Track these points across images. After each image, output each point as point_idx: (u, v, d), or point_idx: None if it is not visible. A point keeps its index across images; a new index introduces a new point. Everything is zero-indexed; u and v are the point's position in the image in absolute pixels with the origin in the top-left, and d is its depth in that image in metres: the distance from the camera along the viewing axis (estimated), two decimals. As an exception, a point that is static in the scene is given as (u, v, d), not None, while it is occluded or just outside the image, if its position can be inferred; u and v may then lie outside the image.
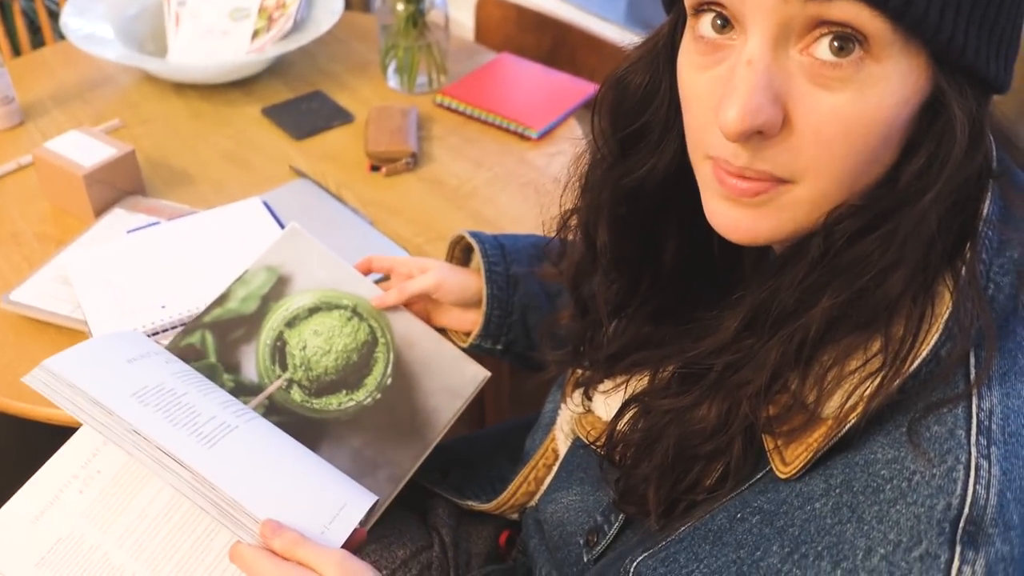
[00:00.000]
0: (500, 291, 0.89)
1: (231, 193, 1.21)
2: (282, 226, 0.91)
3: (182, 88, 1.44)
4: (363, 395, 0.85)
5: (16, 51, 1.87)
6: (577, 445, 0.76)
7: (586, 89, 1.41)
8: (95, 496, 0.70)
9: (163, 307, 0.98)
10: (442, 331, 0.92)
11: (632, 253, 0.66)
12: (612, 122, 0.63)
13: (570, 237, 0.73)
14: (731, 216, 0.52)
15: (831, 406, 0.51)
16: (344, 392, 0.85)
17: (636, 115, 0.62)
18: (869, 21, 0.44)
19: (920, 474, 0.46)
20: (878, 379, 0.49)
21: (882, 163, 0.50)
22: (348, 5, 1.61)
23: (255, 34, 1.45)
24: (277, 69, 1.49)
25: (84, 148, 1.14)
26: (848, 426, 0.49)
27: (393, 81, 1.45)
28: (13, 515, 0.70)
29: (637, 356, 0.66)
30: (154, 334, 0.95)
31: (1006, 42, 0.48)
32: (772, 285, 0.54)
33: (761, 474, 0.55)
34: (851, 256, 0.50)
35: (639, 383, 0.65)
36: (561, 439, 0.79)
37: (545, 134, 1.34)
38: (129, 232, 1.09)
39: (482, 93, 1.40)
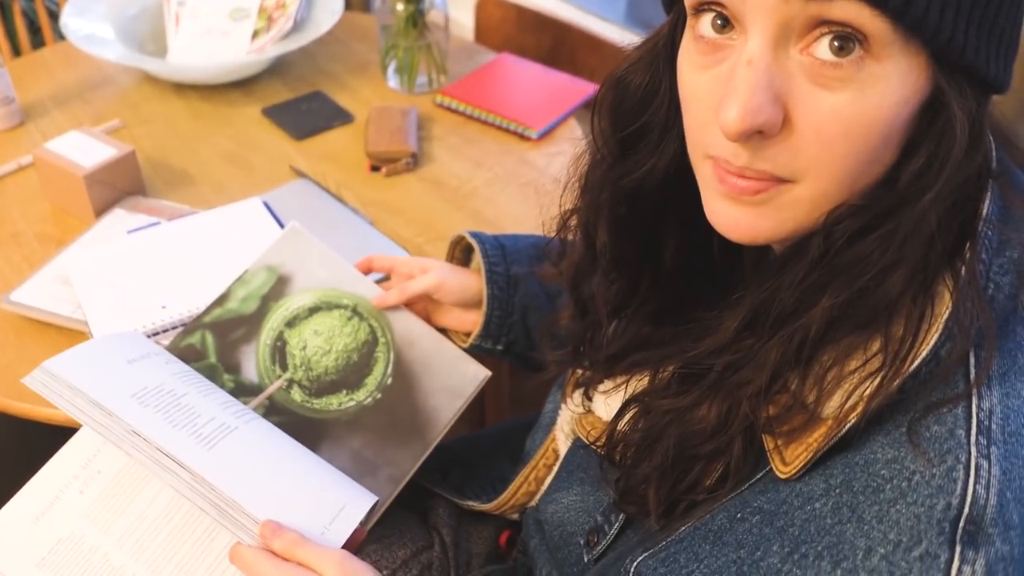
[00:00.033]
0: (500, 291, 0.89)
1: (231, 193, 1.21)
2: (282, 226, 0.91)
3: (182, 88, 1.44)
4: (363, 395, 0.85)
5: (16, 51, 1.88)
6: (577, 445, 0.76)
7: (586, 89, 1.41)
8: (96, 497, 0.71)
9: (163, 307, 0.98)
10: (443, 331, 0.92)
11: (632, 253, 0.66)
12: (612, 122, 0.63)
13: (570, 237, 0.73)
14: (731, 215, 0.53)
15: (831, 406, 0.51)
16: (344, 392, 0.85)
17: (636, 115, 0.62)
18: (869, 21, 0.44)
19: (920, 474, 0.46)
20: (878, 379, 0.49)
21: (882, 163, 0.50)
22: (348, 5, 1.61)
23: (255, 34, 1.45)
24: (277, 69, 1.49)
25: (84, 148, 1.14)
26: (848, 426, 0.49)
27: (393, 81, 1.45)
28: (14, 515, 0.70)
29: (637, 356, 0.66)
30: (154, 334, 0.96)
31: (1005, 42, 0.48)
32: (772, 285, 0.54)
33: (761, 474, 0.55)
34: (851, 256, 0.50)
35: (639, 383, 0.65)
36: (561, 439, 0.79)
37: (545, 134, 1.34)
38: (130, 232, 1.09)
39: (482, 93, 1.40)
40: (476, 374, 0.88)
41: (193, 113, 1.39)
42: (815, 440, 0.51)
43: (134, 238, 1.07)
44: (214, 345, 0.85)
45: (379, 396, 0.85)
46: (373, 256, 0.94)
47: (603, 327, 0.70)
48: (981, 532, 0.44)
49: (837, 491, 0.49)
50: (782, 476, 0.52)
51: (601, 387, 0.71)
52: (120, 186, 1.16)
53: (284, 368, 0.85)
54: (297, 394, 0.84)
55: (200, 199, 1.20)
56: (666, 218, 0.65)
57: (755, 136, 0.48)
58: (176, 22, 1.48)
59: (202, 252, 1.05)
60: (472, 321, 0.91)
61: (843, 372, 0.51)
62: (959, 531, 0.44)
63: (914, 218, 0.48)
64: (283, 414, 0.83)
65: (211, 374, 0.83)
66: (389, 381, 0.86)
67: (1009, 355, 0.50)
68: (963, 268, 0.49)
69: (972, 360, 0.49)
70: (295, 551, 0.62)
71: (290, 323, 0.87)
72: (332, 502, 0.69)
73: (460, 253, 0.96)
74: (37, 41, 1.94)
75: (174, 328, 0.96)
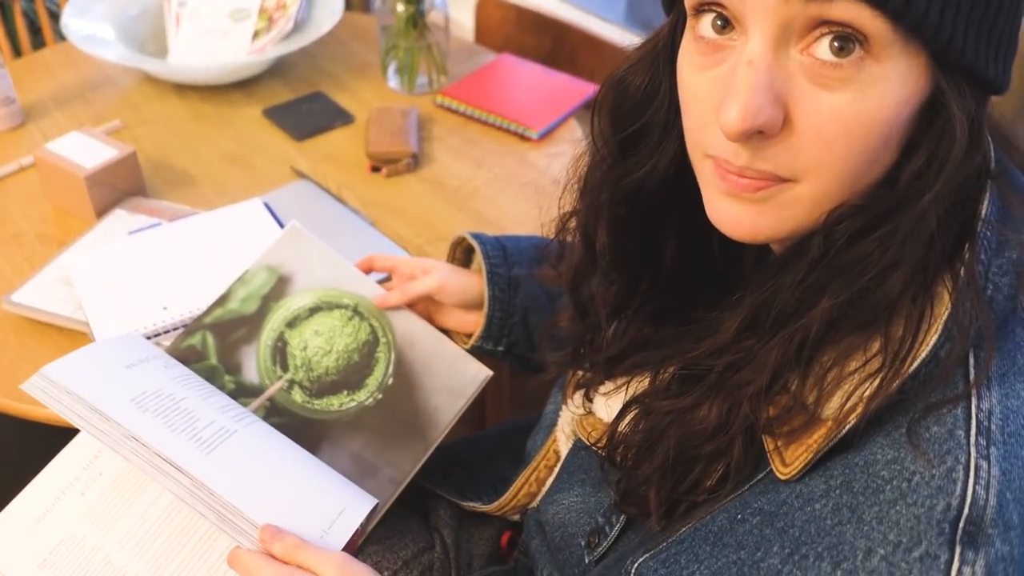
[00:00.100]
0: (502, 293, 0.89)
1: (232, 194, 1.21)
2: (283, 227, 0.91)
3: (183, 89, 1.44)
4: (364, 395, 0.85)
5: (17, 52, 1.88)
6: (578, 446, 0.77)
7: (586, 90, 1.42)
8: (97, 498, 0.71)
9: (164, 308, 0.98)
10: (444, 332, 0.92)
11: (632, 254, 0.66)
12: (612, 123, 0.63)
13: (569, 239, 0.73)
14: (732, 213, 0.53)
15: (831, 407, 0.51)
16: (345, 392, 0.85)
17: (636, 116, 0.62)
18: (870, 21, 0.44)
19: (920, 475, 0.46)
20: (878, 380, 0.49)
21: (882, 163, 0.50)
22: (348, 6, 1.61)
23: (255, 35, 1.45)
24: (278, 70, 1.49)
25: (85, 149, 1.15)
26: (848, 427, 0.49)
27: (393, 82, 1.45)
28: (15, 517, 0.70)
29: (637, 357, 0.66)
30: (155, 335, 0.96)
31: (1005, 43, 0.48)
32: (772, 285, 0.54)
33: (761, 475, 0.55)
34: (851, 256, 0.50)
35: (640, 384, 0.65)
36: (562, 440, 0.80)
37: (545, 135, 1.34)
38: (131, 233, 1.10)
39: (482, 94, 1.40)
40: (477, 374, 0.88)
41: (194, 114, 1.39)
42: (815, 441, 0.51)
43: (135, 239, 1.07)
44: (215, 346, 0.85)
45: (380, 396, 0.85)
46: (374, 256, 0.94)
47: (603, 328, 0.70)
48: (981, 533, 0.44)
49: (837, 492, 0.49)
50: (782, 477, 0.52)
51: (602, 388, 0.71)
52: (121, 187, 1.16)
53: (285, 369, 0.85)
54: (298, 395, 0.84)
55: (201, 200, 1.20)
56: (666, 219, 0.65)
57: (755, 136, 0.48)
58: (177, 23, 1.48)
59: (203, 253, 1.05)
60: (473, 322, 0.91)
61: (843, 373, 0.51)
62: (959, 532, 0.44)
63: (914, 218, 0.48)
64: (284, 415, 0.83)
65: (212, 375, 0.83)
66: (390, 381, 0.86)
67: (1008, 356, 0.50)
68: (962, 269, 0.49)
69: (971, 361, 0.49)
70: (295, 554, 0.62)
71: (291, 323, 0.87)
72: (332, 505, 0.69)
73: (461, 254, 0.96)
74: (38, 42, 1.94)
75: (175, 329, 0.96)
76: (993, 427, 0.47)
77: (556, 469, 0.81)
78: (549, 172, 1.27)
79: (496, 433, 1.04)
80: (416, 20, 1.38)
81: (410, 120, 1.32)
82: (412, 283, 0.89)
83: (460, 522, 0.90)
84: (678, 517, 0.59)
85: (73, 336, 0.99)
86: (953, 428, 0.47)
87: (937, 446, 0.47)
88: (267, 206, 1.12)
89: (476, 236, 0.92)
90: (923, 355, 0.48)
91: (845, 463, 0.50)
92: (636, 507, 0.62)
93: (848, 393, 0.50)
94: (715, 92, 0.50)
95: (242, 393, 0.83)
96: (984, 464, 0.46)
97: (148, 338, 0.94)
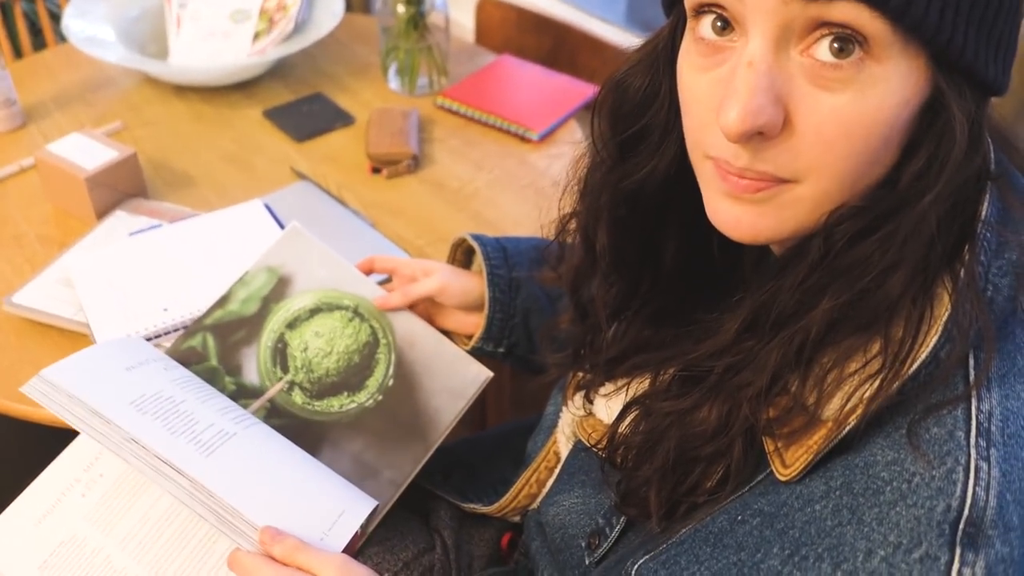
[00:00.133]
0: (502, 294, 0.89)
1: (233, 195, 1.21)
2: (283, 228, 0.91)
3: (183, 90, 1.44)
4: (365, 396, 0.85)
5: (18, 53, 1.88)
6: (579, 448, 0.77)
7: (586, 91, 1.41)
8: (98, 499, 0.71)
9: (165, 310, 0.98)
10: (445, 333, 0.92)
11: (632, 256, 0.66)
12: (612, 125, 0.63)
13: (569, 240, 0.73)
14: (733, 213, 0.53)
15: (831, 408, 0.51)
16: (346, 394, 0.85)
17: (636, 117, 0.62)
18: (869, 22, 0.44)
19: (920, 476, 0.46)
20: (878, 381, 0.49)
21: (882, 164, 0.50)
22: (349, 7, 1.61)
23: (256, 36, 1.45)
24: (278, 71, 1.49)
25: (86, 150, 1.15)
26: (848, 428, 0.49)
27: (394, 83, 1.45)
28: (16, 518, 0.71)
29: (637, 359, 0.66)
30: (156, 337, 0.96)
31: (1004, 44, 0.48)
32: (772, 287, 0.54)
33: (761, 476, 0.55)
34: (851, 258, 0.50)
35: (640, 386, 0.65)
36: (563, 442, 0.80)
37: (546, 136, 1.34)
38: (131, 235, 1.10)
39: (483, 95, 1.40)
40: (478, 375, 0.88)
41: (194, 115, 1.40)
42: (815, 442, 0.51)
43: (136, 240, 1.07)
44: (215, 347, 0.85)
45: (380, 398, 0.85)
46: (375, 257, 0.94)
47: (603, 330, 0.70)
48: (981, 534, 0.44)
49: (837, 493, 0.49)
50: (782, 478, 0.52)
51: (602, 390, 0.71)
52: (121, 188, 1.16)
53: (285, 370, 0.85)
54: (298, 396, 0.84)
55: (201, 201, 1.20)
56: (666, 220, 0.65)
57: (755, 137, 0.48)
58: (177, 24, 1.48)
59: (203, 254, 1.05)
60: (474, 324, 0.91)
61: (843, 374, 0.51)
62: (959, 533, 0.44)
63: (914, 220, 0.48)
64: (284, 416, 0.83)
65: (212, 376, 0.83)
66: (390, 382, 0.86)
67: (1008, 357, 0.50)
68: (962, 270, 0.49)
69: (971, 362, 0.49)
70: (295, 556, 0.62)
71: (291, 324, 0.87)
72: (331, 507, 0.69)
73: (461, 255, 0.96)
74: (38, 43, 1.94)
75: (175, 330, 0.96)
76: (993, 428, 0.47)
77: (556, 470, 0.81)
78: (549, 173, 1.27)
79: (497, 434, 1.04)
80: (417, 21, 1.38)
81: (410, 121, 1.32)
82: (413, 285, 0.89)
83: (460, 523, 0.90)
84: (678, 518, 0.59)
85: (74, 337, 0.99)
86: (953, 429, 0.47)
87: (937, 447, 0.47)
88: (267, 207, 1.13)
89: (476, 237, 0.92)
90: (923, 356, 0.48)
91: (845, 464, 0.50)
92: (636, 508, 0.62)
93: (848, 394, 0.50)
94: (715, 93, 0.50)
95: (242, 394, 0.83)
96: (984, 465, 0.46)
97: (148, 339, 0.94)
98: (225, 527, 0.64)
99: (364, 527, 0.71)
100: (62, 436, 0.75)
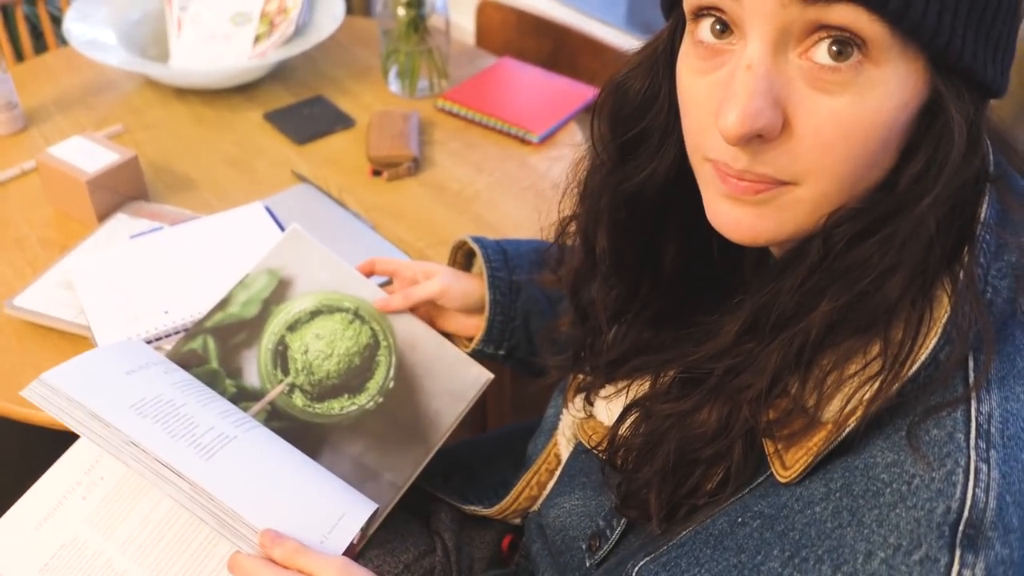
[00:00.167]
0: (503, 297, 0.89)
1: (233, 198, 1.21)
2: (284, 231, 0.91)
3: (184, 93, 1.45)
4: (365, 399, 0.85)
5: (19, 56, 1.88)
6: (579, 450, 0.77)
7: (586, 93, 1.42)
8: (98, 502, 0.71)
9: (166, 312, 0.98)
10: (445, 336, 0.92)
11: (632, 258, 0.66)
12: (612, 127, 0.63)
13: (569, 243, 0.73)
14: (733, 215, 0.53)
15: (831, 410, 0.51)
16: (346, 396, 0.85)
17: (636, 120, 0.62)
18: (868, 25, 0.44)
19: (920, 478, 0.46)
20: (877, 383, 0.49)
21: (881, 166, 0.50)
22: (349, 10, 1.61)
23: (257, 39, 1.45)
24: (279, 74, 1.50)
25: (87, 153, 1.15)
26: (848, 430, 0.49)
27: (394, 86, 1.46)
28: (17, 521, 0.71)
29: (638, 361, 0.66)
30: (157, 339, 0.96)
31: (1003, 46, 0.48)
32: (772, 289, 0.54)
33: (762, 478, 0.55)
34: (850, 260, 0.50)
35: (640, 388, 0.65)
36: (563, 444, 0.80)
37: (546, 138, 1.34)
38: (132, 237, 1.10)
39: (483, 97, 1.40)
40: (478, 377, 0.88)
41: (195, 118, 1.40)
42: (815, 444, 0.51)
43: (137, 243, 1.07)
44: (216, 350, 0.85)
45: (381, 400, 0.85)
46: (376, 259, 0.94)
47: (603, 332, 0.70)
48: (981, 536, 0.44)
49: (837, 495, 0.49)
50: (782, 480, 0.52)
51: (602, 392, 0.71)
52: (123, 191, 1.17)
53: (286, 372, 0.85)
54: (299, 399, 0.84)
55: (202, 204, 1.21)
56: (666, 223, 0.65)
57: (754, 140, 0.48)
58: (178, 27, 1.48)
59: (204, 257, 1.05)
60: (474, 326, 0.91)
61: (843, 376, 0.51)
62: (959, 535, 0.44)
63: (913, 222, 0.48)
64: (285, 419, 0.83)
65: (213, 379, 0.83)
66: (391, 385, 0.86)
67: (1008, 359, 0.50)
68: (961, 272, 0.49)
69: (971, 364, 0.49)
70: (295, 559, 0.62)
71: (292, 327, 0.87)
72: (331, 510, 0.69)
73: (462, 258, 0.96)
74: (40, 46, 1.95)
75: (176, 333, 0.96)
76: (993, 430, 0.47)
77: (557, 473, 0.81)
78: (549, 176, 1.27)
79: (497, 437, 1.04)
80: (417, 24, 1.38)
81: (411, 124, 1.32)
82: (414, 287, 0.89)
83: (461, 526, 0.90)
84: (679, 520, 0.59)
85: (75, 340, 0.99)
86: (953, 431, 0.47)
87: (937, 449, 0.47)
88: (268, 210, 1.13)
89: (477, 240, 0.92)
90: (923, 358, 0.48)
91: (845, 466, 0.50)
92: (637, 510, 0.62)
93: (848, 396, 0.50)
94: (714, 96, 0.50)
95: (243, 397, 0.83)
96: (984, 467, 0.46)
97: (149, 342, 0.94)
98: (225, 530, 0.64)
99: (364, 530, 0.71)
100: (63, 439, 0.75)
